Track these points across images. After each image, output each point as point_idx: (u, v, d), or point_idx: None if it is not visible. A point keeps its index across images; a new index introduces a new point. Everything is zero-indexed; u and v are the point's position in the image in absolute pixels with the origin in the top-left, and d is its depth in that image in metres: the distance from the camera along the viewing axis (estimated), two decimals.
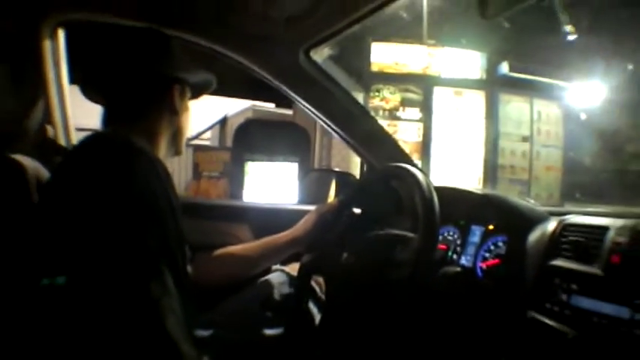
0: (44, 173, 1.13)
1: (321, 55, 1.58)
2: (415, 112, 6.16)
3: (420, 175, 1.14)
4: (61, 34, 1.48)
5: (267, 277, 1.44)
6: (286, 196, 4.36)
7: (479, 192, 1.50)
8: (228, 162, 5.61)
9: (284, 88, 1.61)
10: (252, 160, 4.49)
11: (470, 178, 6.14)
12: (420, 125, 6.13)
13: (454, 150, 6.19)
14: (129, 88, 1.14)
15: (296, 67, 1.57)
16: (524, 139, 6.41)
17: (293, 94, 1.63)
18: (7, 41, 1.17)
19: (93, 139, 1.05)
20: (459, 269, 1.22)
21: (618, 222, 1.06)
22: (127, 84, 1.14)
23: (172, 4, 1.40)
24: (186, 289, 0.93)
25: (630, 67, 6.08)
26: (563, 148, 6.53)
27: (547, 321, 1.06)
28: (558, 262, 1.12)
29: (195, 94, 1.29)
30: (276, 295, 1.38)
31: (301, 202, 1.83)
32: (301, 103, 1.65)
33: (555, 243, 1.15)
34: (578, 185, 6.96)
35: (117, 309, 0.82)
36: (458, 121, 6.28)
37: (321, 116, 1.66)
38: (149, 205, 0.90)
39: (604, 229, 1.07)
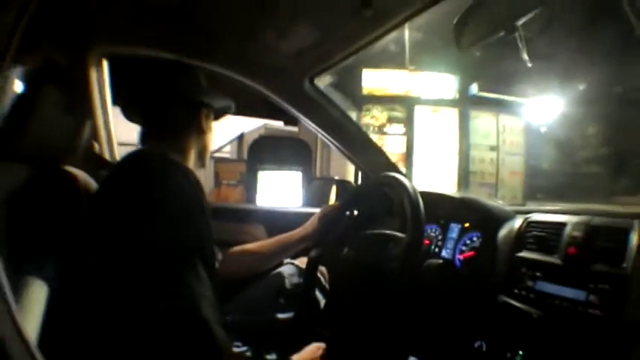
0: (92, 183, 1.13)
1: (323, 82, 1.59)
2: (400, 128, 6.16)
3: (407, 183, 1.15)
4: (105, 65, 1.51)
5: (279, 270, 1.45)
6: (292, 199, 4.36)
7: (456, 195, 1.50)
8: (243, 172, 5.60)
9: (292, 109, 1.62)
10: (263, 170, 4.49)
11: (446, 183, 6.13)
12: (404, 139, 6.14)
13: (433, 159, 6.19)
14: (165, 112, 1.14)
15: (302, 92, 1.58)
16: (492, 148, 6.39)
17: (300, 115, 1.64)
18: (60, 70, 1.18)
19: (136, 155, 1.06)
20: (441, 261, 1.23)
21: (574, 219, 1.07)
22: (163, 108, 1.14)
23: (199, 40, 1.41)
24: (215, 280, 0.94)
25: (580, 86, 6.10)
26: (525, 155, 6.53)
27: (516, 303, 1.07)
28: (524, 254, 1.13)
29: (217, 117, 1.29)
30: (288, 285, 1.39)
31: (306, 205, 1.83)
32: (306, 122, 1.66)
33: (521, 237, 1.17)
34: (538, 187, 6.95)
35: (158, 295, 0.83)
36: (435, 134, 6.28)
37: (323, 132, 1.66)
38: (184, 209, 0.91)
39: (562, 224, 1.09)
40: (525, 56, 0.99)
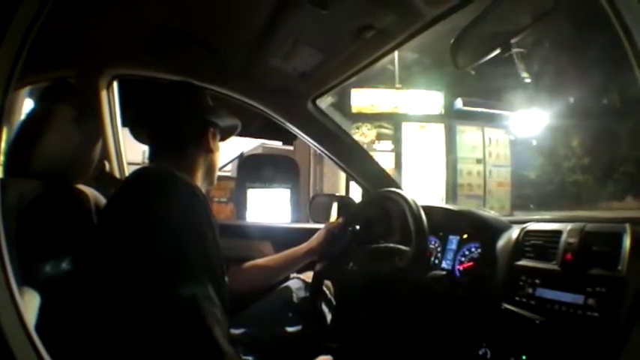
0: (101, 200, 1.13)
1: (325, 102, 1.62)
2: (388, 144, 6.26)
3: (409, 197, 1.17)
4: (115, 86, 1.53)
5: (286, 284, 1.45)
6: (281, 215, 4.36)
7: (455, 208, 1.52)
8: (233, 189, 5.60)
9: (295, 129, 1.65)
10: (252, 188, 4.49)
11: (435, 196, 6.17)
12: (393, 155, 6.20)
13: (421, 173, 6.25)
14: (171, 130, 1.14)
15: (305, 113, 1.61)
16: (478, 161, 6.47)
17: (302, 134, 1.66)
18: (72, 88, 1.19)
19: (141, 172, 1.06)
20: (444, 272, 1.24)
21: (568, 226, 1.09)
22: (169, 126, 1.14)
23: (206, 63, 1.43)
24: (224, 296, 0.94)
25: (564, 99, 6.22)
26: (512, 166, 6.61)
27: (518, 310, 1.08)
28: (523, 262, 1.15)
29: (224, 137, 1.29)
30: (295, 299, 1.40)
31: (309, 221, 1.84)
32: (308, 141, 1.68)
33: (519, 246, 1.18)
34: (528, 197, 7.02)
35: (166, 314, 0.84)
36: (423, 149, 6.35)
37: (325, 151, 1.69)
38: (193, 227, 0.91)
39: (558, 232, 1.11)
40: (523, 72, 1.02)
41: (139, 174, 1.06)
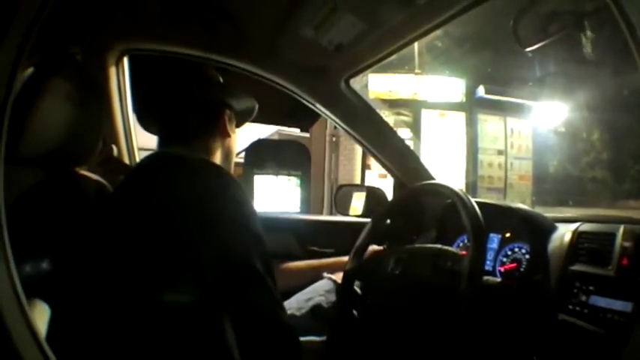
0: (107, 187, 1.05)
1: (360, 83, 1.55)
2: (406, 132, 6.18)
3: (462, 193, 1.06)
4: (125, 62, 1.45)
5: (316, 285, 1.36)
6: (289, 204, 4.34)
7: (498, 203, 1.42)
8: (240, 176, 5.58)
9: (325, 111, 1.56)
10: (260, 174, 4.46)
11: None
12: (411, 143, 6.13)
13: (440, 164, 6.18)
14: (185, 113, 1.06)
15: (337, 94, 1.52)
16: (500, 152, 6.45)
17: (333, 117, 1.58)
18: (74, 61, 1.09)
19: (159, 157, 1.00)
20: (499, 280, 1.15)
21: (620, 228, 1.04)
22: (183, 109, 1.06)
23: (227, 35, 1.33)
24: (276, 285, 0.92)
25: (588, 91, 6.11)
26: (533, 159, 6.56)
27: (575, 321, 1.02)
28: (577, 267, 1.09)
29: (240, 122, 1.22)
30: (325, 303, 1.29)
31: (332, 212, 1.78)
32: (339, 125, 1.60)
33: (573, 249, 1.12)
34: (544, 192, 6.95)
35: (242, 327, 0.81)
36: (443, 138, 6.30)
37: (357, 136, 1.61)
38: (250, 225, 0.87)
39: (611, 235, 1.05)
40: (590, 54, 0.95)
41: (156, 159, 0.99)
